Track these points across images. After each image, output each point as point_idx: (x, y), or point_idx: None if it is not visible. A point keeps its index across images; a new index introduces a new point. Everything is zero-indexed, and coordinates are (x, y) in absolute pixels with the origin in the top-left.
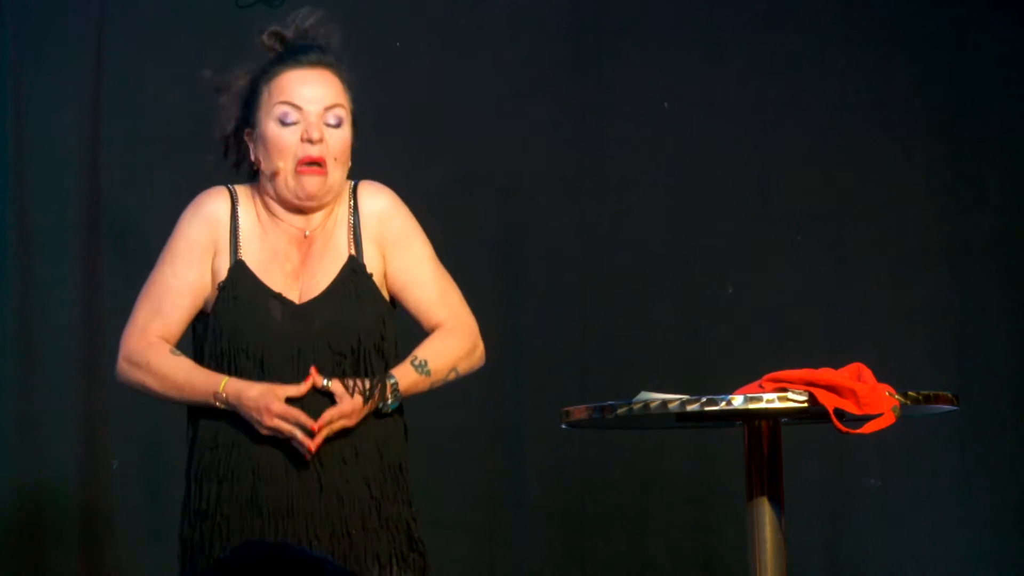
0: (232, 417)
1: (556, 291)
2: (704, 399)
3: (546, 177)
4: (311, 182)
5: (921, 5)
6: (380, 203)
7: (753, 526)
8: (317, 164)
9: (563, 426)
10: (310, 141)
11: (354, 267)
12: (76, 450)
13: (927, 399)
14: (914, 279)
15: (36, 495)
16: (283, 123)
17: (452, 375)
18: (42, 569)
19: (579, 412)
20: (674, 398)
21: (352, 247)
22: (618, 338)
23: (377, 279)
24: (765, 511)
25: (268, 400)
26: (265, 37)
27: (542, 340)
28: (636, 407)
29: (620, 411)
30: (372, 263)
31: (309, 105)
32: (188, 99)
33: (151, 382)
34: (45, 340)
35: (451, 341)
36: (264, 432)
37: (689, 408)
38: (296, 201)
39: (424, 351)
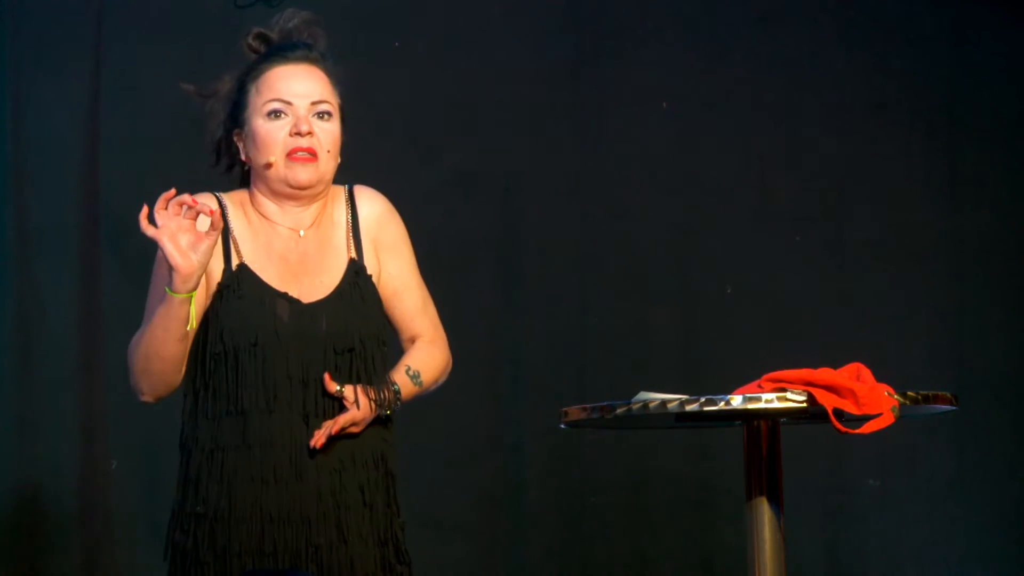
0: (234, 421)
1: (556, 291)
2: (703, 399)
3: (546, 177)
4: (303, 170)
5: (921, 5)
6: (378, 207)
7: (753, 526)
8: (308, 153)
9: (563, 426)
10: (299, 134)
11: (357, 269)
12: (76, 450)
13: (926, 399)
14: (914, 279)
15: (35, 495)
16: (272, 118)
17: (433, 387)
18: (41, 569)
19: (579, 412)
20: (673, 398)
21: (352, 250)
22: (618, 338)
23: (375, 282)
24: (765, 511)
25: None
26: (251, 39)
27: (542, 340)
28: (636, 407)
29: (620, 411)
30: (371, 266)
31: (298, 100)
32: (187, 99)
33: (138, 353)
34: (45, 340)
35: (436, 353)
36: (173, 253)
37: (688, 408)
38: (288, 190)
39: (415, 362)
